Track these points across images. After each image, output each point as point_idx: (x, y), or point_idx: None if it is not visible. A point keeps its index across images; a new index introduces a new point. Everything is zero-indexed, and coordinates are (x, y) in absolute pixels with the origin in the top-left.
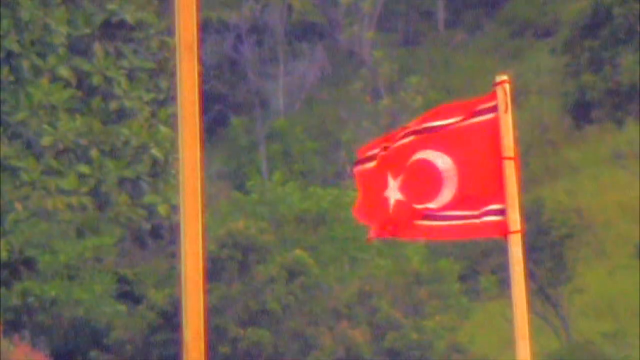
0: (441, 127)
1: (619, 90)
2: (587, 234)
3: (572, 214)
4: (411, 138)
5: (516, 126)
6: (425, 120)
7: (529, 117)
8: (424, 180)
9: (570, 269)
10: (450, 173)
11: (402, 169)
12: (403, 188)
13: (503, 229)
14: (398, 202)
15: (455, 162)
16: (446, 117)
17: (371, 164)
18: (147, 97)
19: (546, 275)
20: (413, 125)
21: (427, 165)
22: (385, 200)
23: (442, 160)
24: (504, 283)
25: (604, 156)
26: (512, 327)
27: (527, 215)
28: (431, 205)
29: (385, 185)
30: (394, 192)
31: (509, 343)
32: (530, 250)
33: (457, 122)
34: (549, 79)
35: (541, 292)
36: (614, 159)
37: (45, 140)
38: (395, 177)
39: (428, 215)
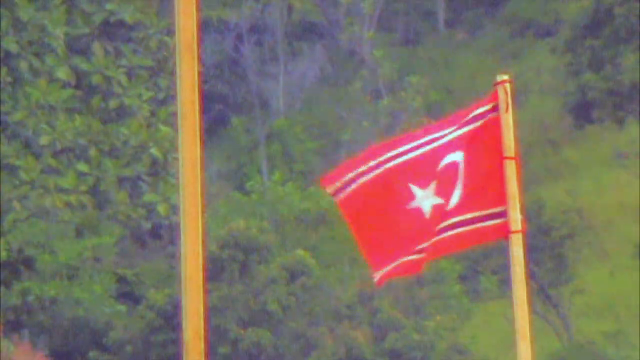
0: (454, 130)
1: (620, 89)
2: (588, 234)
3: (572, 214)
4: (430, 147)
5: (517, 126)
6: (430, 131)
7: (530, 117)
8: (456, 183)
9: (571, 269)
10: (461, 170)
11: (434, 176)
12: (440, 192)
13: (504, 230)
14: (436, 206)
15: (465, 158)
16: (454, 123)
17: (352, 187)
18: (146, 95)
19: (547, 275)
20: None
21: (456, 167)
22: (417, 210)
23: (460, 160)
24: (505, 283)
25: (604, 156)
26: (513, 327)
27: (528, 216)
28: (447, 207)
29: (409, 198)
30: (429, 199)
31: (510, 343)
32: (531, 250)
33: (463, 124)
34: (549, 78)
35: (542, 292)
36: (614, 158)
37: (44, 140)
38: (424, 186)
39: (443, 228)
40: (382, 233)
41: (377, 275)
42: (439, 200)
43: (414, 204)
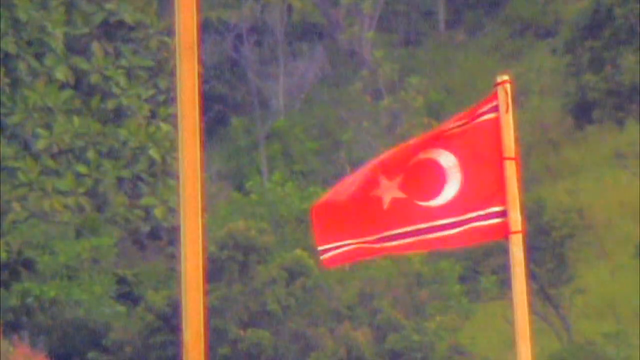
0: (444, 129)
1: (620, 90)
2: (588, 234)
3: (573, 214)
4: (413, 142)
5: (517, 126)
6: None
7: (530, 117)
8: (427, 178)
9: (571, 270)
10: (454, 170)
11: (403, 170)
12: (403, 186)
13: (504, 231)
14: (395, 199)
15: (458, 160)
16: (449, 123)
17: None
18: (145, 94)
19: (547, 275)
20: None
21: (430, 163)
22: (377, 199)
23: (445, 158)
24: (505, 284)
25: (605, 156)
26: (513, 328)
27: (528, 216)
28: (433, 203)
29: (374, 186)
30: (390, 191)
31: (510, 344)
32: (531, 250)
33: (459, 124)
34: (550, 79)
35: (542, 292)
36: (615, 159)
37: (40, 143)
38: (391, 178)
39: (427, 228)
40: (336, 211)
41: (325, 255)
42: (400, 194)
43: (376, 193)
